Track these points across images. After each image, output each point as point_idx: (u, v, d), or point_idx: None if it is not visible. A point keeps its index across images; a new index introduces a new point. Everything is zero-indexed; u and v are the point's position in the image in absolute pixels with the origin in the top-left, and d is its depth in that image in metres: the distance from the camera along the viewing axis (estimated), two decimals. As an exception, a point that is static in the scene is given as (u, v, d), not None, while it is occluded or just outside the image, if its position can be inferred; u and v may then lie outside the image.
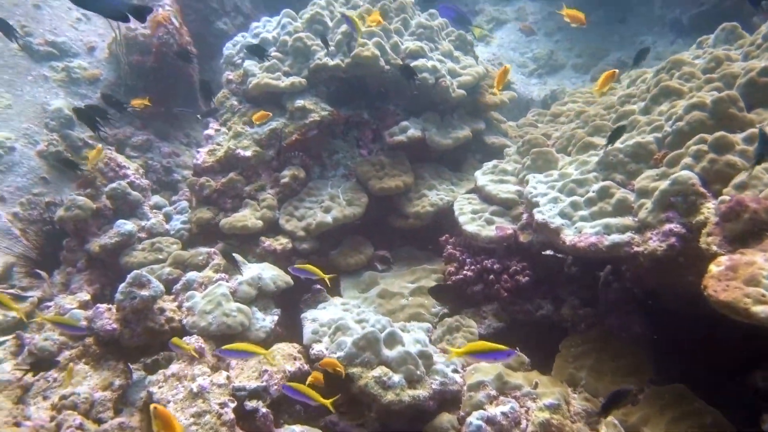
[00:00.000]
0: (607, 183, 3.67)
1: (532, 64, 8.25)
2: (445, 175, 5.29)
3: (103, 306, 3.82)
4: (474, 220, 4.44)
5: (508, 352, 2.90)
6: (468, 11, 9.07)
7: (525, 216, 4.29)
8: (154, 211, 5.00)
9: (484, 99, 5.55)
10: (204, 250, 4.60)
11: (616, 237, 3.38)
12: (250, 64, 5.27)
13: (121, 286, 3.78)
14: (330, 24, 5.29)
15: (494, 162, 4.96)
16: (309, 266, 4.07)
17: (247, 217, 4.77)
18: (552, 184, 4.06)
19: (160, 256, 4.64)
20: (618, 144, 3.79)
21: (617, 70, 4.33)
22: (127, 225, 4.65)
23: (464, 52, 5.68)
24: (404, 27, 5.43)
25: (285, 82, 5.07)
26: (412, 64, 4.99)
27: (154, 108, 5.85)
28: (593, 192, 3.70)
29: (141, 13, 3.12)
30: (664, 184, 3.24)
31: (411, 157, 5.22)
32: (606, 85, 4.26)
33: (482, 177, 4.81)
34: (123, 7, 2.99)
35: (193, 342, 3.61)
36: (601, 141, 4.17)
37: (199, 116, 5.71)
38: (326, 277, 3.99)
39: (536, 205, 3.94)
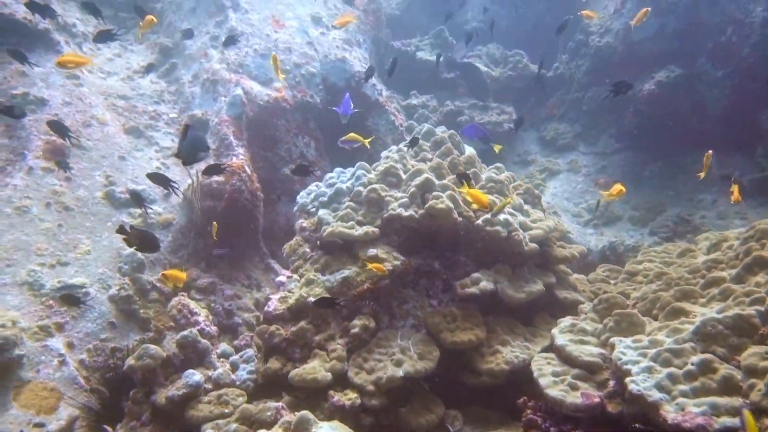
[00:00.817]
0: (708, 356, 3.48)
1: (587, 214, 8.33)
2: (518, 330, 5.13)
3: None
4: (556, 383, 4.21)
5: None
6: (520, 161, 9.43)
7: (612, 383, 4.05)
8: (221, 359, 4.88)
9: (555, 252, 5.51)
10: (272, 405, 4.42)
11: (727, 421, 3.13)
12: (325, 213, 5.38)
13: (194, 449, 3.60)
14: (403, 176, 5.44)
15: (571, 320, 4.80)
16: None
17: (317, 369, 4.62)
18: (643, 352, 3.87)
19: (226, 410, 4.46)
20: (715, 314, 3.66)
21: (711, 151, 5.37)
22: (195, 376, 4.53)
23: (533, 206, 5.75)
24: (475, 180, 5.56)
25: (359, 231, 5.13)
26: (483, 218, 5.06)
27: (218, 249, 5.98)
28: (693, 365, 3.50)
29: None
30: (778, 365, 3.07)
31: (481, 309, 5.11)
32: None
33: (560, 336, 4.64)
34: None
35: None
36: (693, 308, 4.04)
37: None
38: None
39: (627, 373, 3.73)
